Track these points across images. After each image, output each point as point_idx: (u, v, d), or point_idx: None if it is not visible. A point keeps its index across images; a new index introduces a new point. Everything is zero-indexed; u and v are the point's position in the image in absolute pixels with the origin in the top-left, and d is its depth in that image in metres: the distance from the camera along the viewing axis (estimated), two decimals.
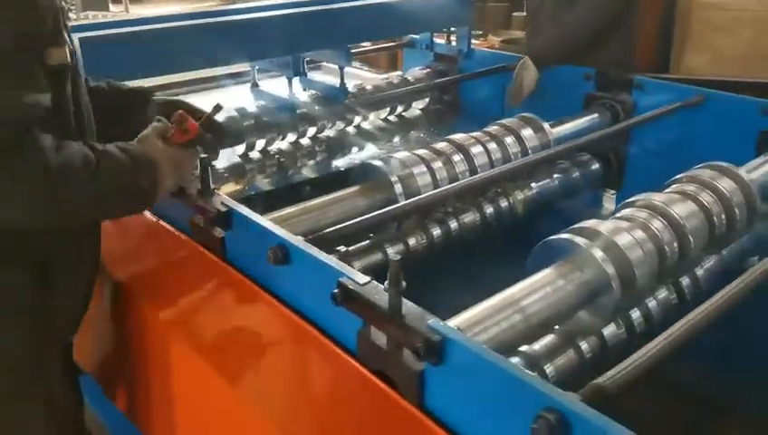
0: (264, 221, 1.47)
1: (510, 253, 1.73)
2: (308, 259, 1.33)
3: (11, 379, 1.41)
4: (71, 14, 1.39)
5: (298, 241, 1.38)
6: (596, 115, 2.65)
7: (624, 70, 2.80)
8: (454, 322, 1.24)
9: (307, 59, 2.98)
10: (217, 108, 1.58)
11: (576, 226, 1.55)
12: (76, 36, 1.49)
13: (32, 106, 1.19)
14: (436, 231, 2.07)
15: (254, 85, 3.14)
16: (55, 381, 1.51)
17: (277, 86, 3.13)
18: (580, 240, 1.49)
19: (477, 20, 4.87)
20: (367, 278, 1.22)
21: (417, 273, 1.55)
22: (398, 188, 1.95)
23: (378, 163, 2.01)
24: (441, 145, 2.17)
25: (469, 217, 2.15)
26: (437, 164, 2.05)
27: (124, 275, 1.59)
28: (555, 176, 2.46)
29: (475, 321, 1.28)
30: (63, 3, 1.35)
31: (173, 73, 2.54)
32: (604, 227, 1.53)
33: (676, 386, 1.82)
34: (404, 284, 1.13)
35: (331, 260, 1.31)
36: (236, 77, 3.36)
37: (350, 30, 2.86)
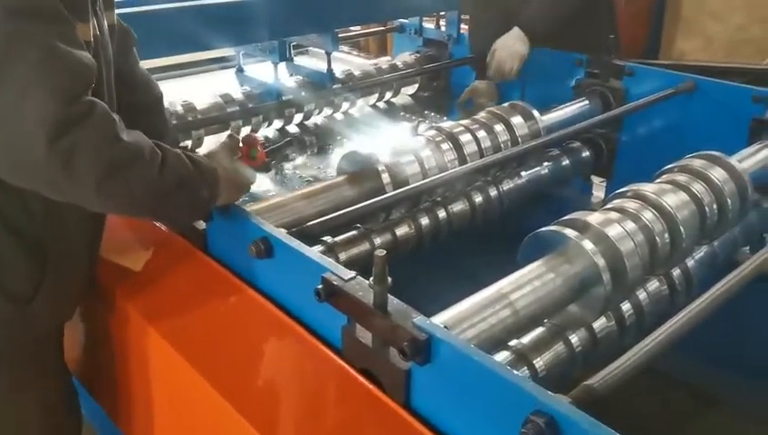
0: (247, 213, 1.43)
1: (499, 242, 1.70)
2: (291, 253, 1.29)
3: (4, 370, 1.38)
4: None
5: (281, 234, 1.34)
6: (587, 102, 2.61)
7: (611, 53, 2.75)
8: (441, 318, 1.20)
9: (293, 44, 2.93)
10: (289, 142, 1.58)
11: (566, 217, 1.52)
12: None
13: (89, 66, 1.13)
14: (425, 221, 2.03)
15: (240, 70, 3.09)
16: (49, 373, 1.48)
17: (263, 71, 3.08)
18: (570, 232, 1.46)
19: None
20: (352, 273, 1.19)
21: (405, 264, 1.52)
22: (386, 177, 1.90)
23: (365, 152, 1.96)
24: (430, 133, 2.13)
25: (458, 207, 2.11)
26: (426, 153, 2.01)
27: (103, 271, 1.55)
28: (545, 164, 2.42)
29: (463, 317, 1.24)
30: None
31: (156, 58, 2.48)
32: (594, 218, 1.50)
33: (667, 376, 1.81)
34: (390, 280, 1.10)
35: (315, 255, 1.27)
36: (221, 62, 3.31)
37: (337, 14, 2.81)
